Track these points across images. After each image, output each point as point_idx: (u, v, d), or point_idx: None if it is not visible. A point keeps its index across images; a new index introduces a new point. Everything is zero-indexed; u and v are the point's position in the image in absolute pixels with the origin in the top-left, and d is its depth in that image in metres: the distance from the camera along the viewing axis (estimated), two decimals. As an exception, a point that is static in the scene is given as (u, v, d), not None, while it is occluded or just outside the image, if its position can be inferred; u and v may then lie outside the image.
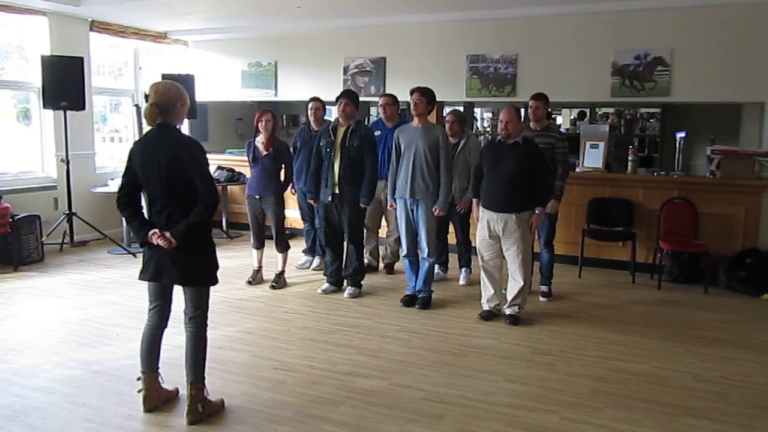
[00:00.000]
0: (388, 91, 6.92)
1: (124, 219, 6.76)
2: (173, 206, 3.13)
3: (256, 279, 5.87)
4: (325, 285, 5.64)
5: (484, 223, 4.85)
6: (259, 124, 5.60)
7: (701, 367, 4.05)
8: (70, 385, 3.66)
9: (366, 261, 6.09)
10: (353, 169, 5.30)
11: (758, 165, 6.07)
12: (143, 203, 3.43)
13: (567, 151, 5.32)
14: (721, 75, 6.17)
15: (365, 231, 5.96)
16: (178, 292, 3.29)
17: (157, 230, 3.12)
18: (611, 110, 10.49)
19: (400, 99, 6.14)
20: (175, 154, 3.07)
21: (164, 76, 7.42)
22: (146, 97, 3.14)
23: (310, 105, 6.18)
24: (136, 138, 7.73)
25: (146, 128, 3.24)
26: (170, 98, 3.13)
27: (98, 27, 7.58)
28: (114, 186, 7.32)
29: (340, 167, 5.32)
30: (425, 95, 5.14)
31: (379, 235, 6.41)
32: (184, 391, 3.31)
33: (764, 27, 5.99)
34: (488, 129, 11.66)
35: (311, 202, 5.66)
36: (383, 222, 6.30)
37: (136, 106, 7.82)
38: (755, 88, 6.10)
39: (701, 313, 5.22)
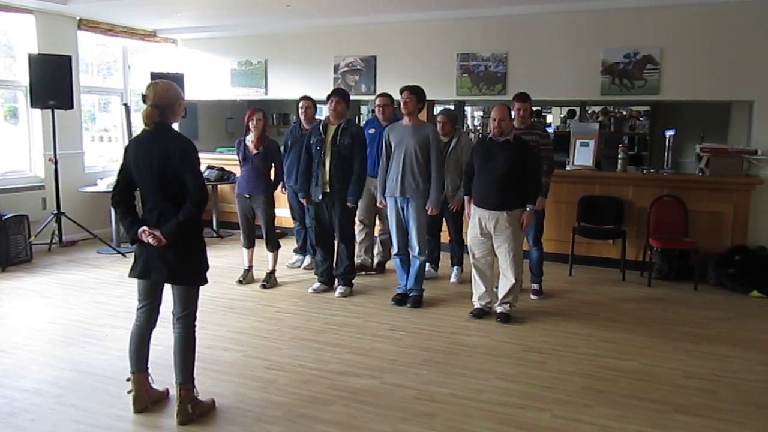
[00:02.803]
0: (379, 90, 6.91)
1: (116, 216, 6.79)
2: (164, 204, 3.12)
3: (246, 278, 5.85)
4: (316, 284, 5.63)
5: (476, 220, 4.85)
6: (250, 123, 5.57)
7: (691, 364, 4.07)
8: (58, 386, 3.64)
9: (360, 260, 6.08)
10: (344, 168, 5.29)
11: (747, 163, 6.10)
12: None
13: (551, 147, 5.34)
14: (710, 73, 6.20)
15: (361, 226, 5.95)
16: (168, 293, 3.27)
17: (146, 228, 3.12)
18: (601, 108, 10.54)
19: (390, 97, 6.15)
20: (168, 151, 3.06)
21: (153, 75, 7.40)
22: (143, 97, 3.12)
23: (300, 104, 6.16)
24: (125, 137, 7.73)
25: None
26: (169, 99, 3.14)
27: (86, 25, 7.52)
28: (103, 185, 7.28)
29: (330, 165, 5.30)
30: (415, 93, 5.15)
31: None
32: (174, 392, 3.29)
33: (753, 25, 6.02)
34: (479, 127, 11.69)
35: (303, 201, 5.63)
36: (377, 220, 6.29)
37: (125, 105, 7.79)
38: (744, 87, 6.13)
39: (691, 310, 5.25)
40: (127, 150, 3.22)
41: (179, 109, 3.20)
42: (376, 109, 5.92)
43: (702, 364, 4.07)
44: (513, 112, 5.29)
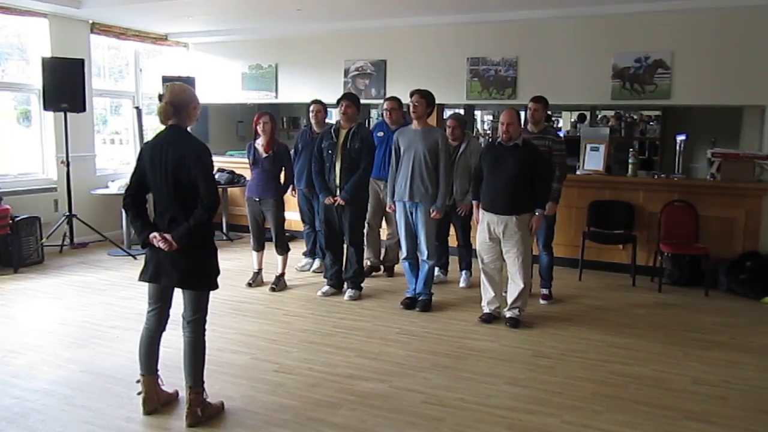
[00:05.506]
0: (389, 94, 6.91)
1: (127, 219, 6.83)
2: (176, 208, 3.14)
3: (256, 281, 5.86)
4: (325, 287, 5.63)
5: (485, 225, 4.85)
6: (258, 127, 5.60)
7: (701, 371, 4.04)
8: (69, 387, 3.66)
9: (369, 263, 6.09)
10: (354, 172, 5.30)
11: (759, 168, 6.07)
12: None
13: (564, 153, 5.32)
14: (721, 78, 6.17)
15: (367, 229, 5.95)
16: (179, 297, 3.29)
17: (157, 233, 3.13)
18: (611, 113, 10.49)
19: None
20: (182, 155, 3.09)
21: (165, 78, 7.44)
22: (160, 97, 3.16)
23: (311, 107, 6.18)
24: (137, 140, 7.78)
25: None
26: (184, 99, 3.17)
27: (99, 29, 7.58)
28: (114, 188, 7.33)
29: (341, 170, 5.32)
30: (425, 97, 5.15)
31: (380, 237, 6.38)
32: (183, 394, 3.31)
33: (765, 30, 5.98)
34: (488, 131, 11.66)
35: (328, 201, 5.40)
36: (384, 224, 6.29)
37: (137, 108, 7.84)
38: (756, 91, 6.09)
39: (702, 316, 5.21)
40: (141, 152, 3.24)
41: (194, 113, 3.23)
42: (384, 113, 5.93)
43: (712, 371, 4.04)
44: (528, 113, 5.30)
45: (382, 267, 6.31)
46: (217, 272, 3.30)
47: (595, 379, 3.89)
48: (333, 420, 3.31)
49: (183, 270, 3.16)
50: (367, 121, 9.93)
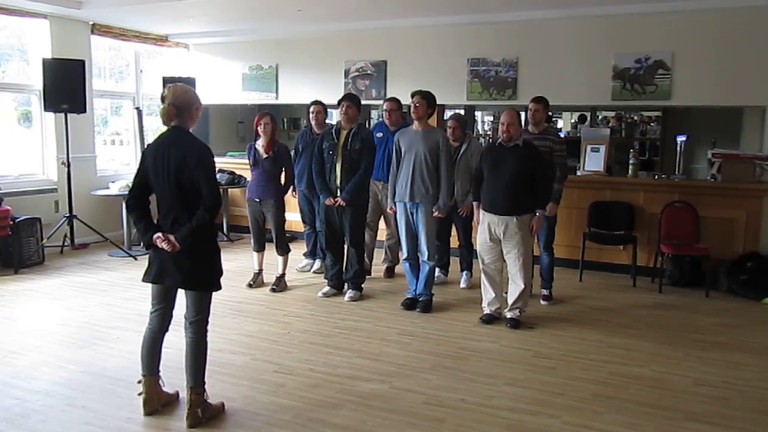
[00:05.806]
0: (389, 95, 6.92)
1: (130, 220, 6.83)
2: (179, 210, 3.14)
3: (256, 282, 5.86)
4: (326, 288, 5.64)
5: (485, 226, 4.85)
6: (258, 128, 5.61)
7: (702, 371, 4.04)
8: (69, 388, 3.66)
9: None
10: (354, 172, 5.30)
11: (759, 168, 6.06)
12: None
13: (565, 154, 5.32)
14: (721, 78, 6.17)
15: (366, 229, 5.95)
16: (181, 298, 3.29)
17: (160, 234, 3.13)
18: (612, 114, 10.50)
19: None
20: (184, 157, 3.09)
21: (165, 79, 7.44)
22: (162, 98, 3.17)
23: (311, 108, 6.18)
24: (137, 141, 7.78)
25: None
26: (187, 100, 3.17)
27: (99, 30, 7.59)
28: (115, 189, 7.32)
29: (342, 170, 5.32)
30: (425, 98, 5.15)
31: (378, 238, 6.37)
32: (184, 395, 3.31)
33: (765, 30, 5.98)
34: (489, 132, 11.66)
35: (328, 201, 5.39)
36: (382, 225, 6.29)
37: (137, 109, 7.84)
38: (756, 92, 6.09)
39: (702, 316, 5.21)
40: (144, 154, 3.25)
41: (196, 114, 3.23)
42: (384, 114, 5.93)
43: (713, 372, 4.04)
44: (529, 114, 5.30)
45: (371, 272, 6.27)
46: (220, 273, 3.31)
47: (596, 379, 3.89)
48: (333, 421, 3.31)
49: (186, 271, 3.16)
50: (367, 122, 9.94)
